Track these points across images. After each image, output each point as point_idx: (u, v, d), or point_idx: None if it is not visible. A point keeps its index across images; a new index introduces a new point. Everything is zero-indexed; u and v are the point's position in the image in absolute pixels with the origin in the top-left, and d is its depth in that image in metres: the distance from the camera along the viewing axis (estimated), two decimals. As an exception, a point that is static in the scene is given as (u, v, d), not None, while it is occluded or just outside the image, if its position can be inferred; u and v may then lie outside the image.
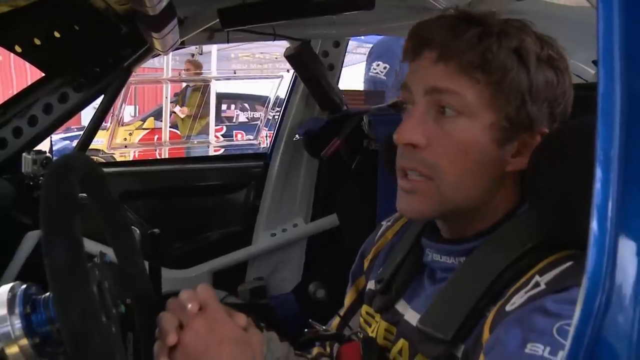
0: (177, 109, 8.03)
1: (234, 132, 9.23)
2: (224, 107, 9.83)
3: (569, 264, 0.78)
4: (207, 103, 7.95)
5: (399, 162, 0.93)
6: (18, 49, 1.80)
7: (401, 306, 1.01)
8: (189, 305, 0.81)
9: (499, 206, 0.92)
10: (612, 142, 0.46)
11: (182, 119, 8.00)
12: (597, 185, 0.47)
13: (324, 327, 1.11)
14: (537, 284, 0.78)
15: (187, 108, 8.00)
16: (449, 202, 0.90)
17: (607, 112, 0.47)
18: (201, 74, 7.99)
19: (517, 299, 0.78)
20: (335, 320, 1.22)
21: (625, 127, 0.46)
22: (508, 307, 0.78)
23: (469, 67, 0.86)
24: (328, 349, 1.18)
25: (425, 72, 0.90)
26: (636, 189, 0.46)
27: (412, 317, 0.96)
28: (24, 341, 0.73)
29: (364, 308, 1.12)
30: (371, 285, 1.12)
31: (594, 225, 0.47)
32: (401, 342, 0.96)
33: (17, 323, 0.74)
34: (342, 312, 1.21)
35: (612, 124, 0.46)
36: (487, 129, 0.88)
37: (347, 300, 1.22)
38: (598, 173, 0.47)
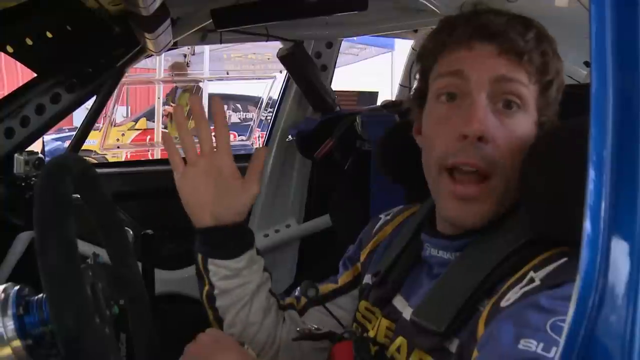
0: (165, 107, 7.99)
1: (227, 132, 9.20)
2: (216, 107, 9.79)
3: (563, 260, 0.78)
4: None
5: (451, 158, 0.89)
6: (10, 49, 1.78)
7: (399, 303, 1.01)
8: None
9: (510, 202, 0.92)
10: (605, 143, 0.46)
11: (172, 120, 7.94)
12: (590, 186, 0.47)
13: (315, 327, 1.12)
14: (531, 280, 0.78)
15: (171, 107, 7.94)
16: (502, 204, 0.90)
17: (599, 113, 0.47)
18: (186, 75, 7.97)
19: (512, 295, 0.78)
20: (328, 286, 1.22)
21: (618, 128, 0.46)
22: (503, 303, 0.79)
23: (531, 66, 0.88)
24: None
25: (489, 62, 0.89)
26: (629, 190, 0.46)
27: (409, 313, 0.96)
28: (17, 343, 0.73)
29: (362, 304, 1.12)
30: (368, 279, 1.12)
31: (587, 225, 0.47)
32: (399, 340, 0.96)
33: (10, 325, 0.74)
34: (335, 287, 1.21)
35: (605, 124, 0.46)
36: (534, 125, 0.91)
37: (341, 281, 1.22)
38: (591, 174, 0.47)
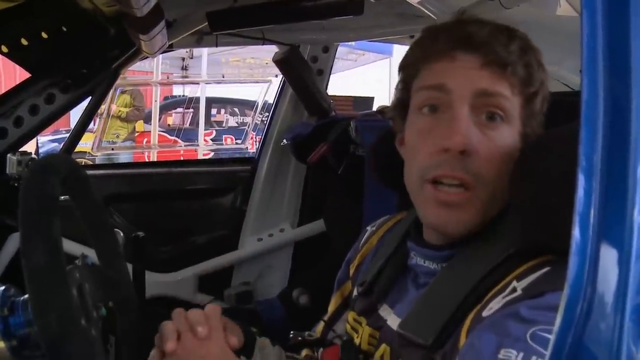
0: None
1: (224, 136, 9.22)
2: (213, 111, 9.81)
3: (545, 269, 0.78)
4: (137, 109, 7.95)
5: (433, 171, 0.88)
6: (5, 49, 1.78)
7: (384, 311, 1.01)
8: (199, 329, 0.87)
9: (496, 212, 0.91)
10: (595, 149, 0.46)
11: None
12: (580, 193, 0.47)
13: (307, 333, 1.11)
14: (514, 290, 0.78)
15: (115, 106, 7.85)
16: (487, 213, 0.88)
17: (590, 119, 0.46)
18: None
19: (494, 305, 0.78)
20: (320, 326, 1.21)
21: (608, 134, 0.46)
22: (485, 313, 0.78)
23: (515, 77, 0.87)
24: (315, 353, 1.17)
25: (471, 74, 0.87)
26: (618, 197, 0.45)
27: (394, 322, 0.95)
28: (0, 344, 0.72)
29: (351, 315, 1.11)
30: (355, 290, 1.12)
31: (575, 232, 0.47)
32: (383, 347, 0.96)
33: (-6, 325, 0.73)
34: (326, 318, 1.20)
35: (595, 131, 0.46)
36: (518, 137, 0.89)
37: (331, 306, 1.21)
38: (580, 179, 0.47)
